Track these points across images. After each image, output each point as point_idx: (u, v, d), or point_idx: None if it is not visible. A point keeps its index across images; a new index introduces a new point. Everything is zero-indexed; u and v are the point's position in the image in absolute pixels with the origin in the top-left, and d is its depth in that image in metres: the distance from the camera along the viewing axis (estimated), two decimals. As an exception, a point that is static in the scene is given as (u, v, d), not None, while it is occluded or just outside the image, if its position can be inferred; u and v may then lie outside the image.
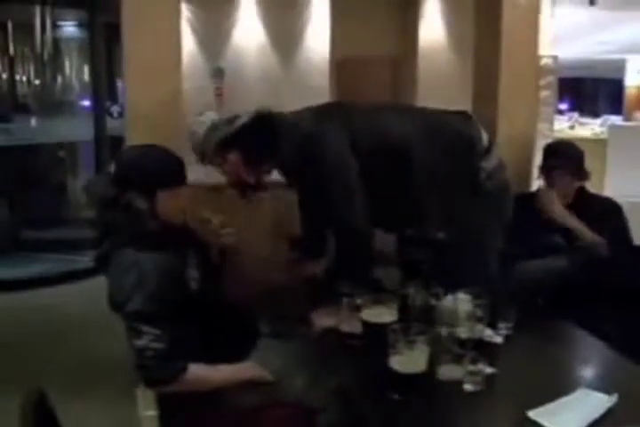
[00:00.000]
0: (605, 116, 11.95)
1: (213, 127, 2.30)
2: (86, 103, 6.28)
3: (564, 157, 3.12)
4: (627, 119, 12.43)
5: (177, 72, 2.93)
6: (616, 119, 11.83)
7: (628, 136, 9.19)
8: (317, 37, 9.04)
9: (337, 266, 2.39)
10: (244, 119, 2.29)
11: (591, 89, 19.05)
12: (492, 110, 3.30)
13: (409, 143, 2.33)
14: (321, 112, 2.42)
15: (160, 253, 1.90)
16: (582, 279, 2.81)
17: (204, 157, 2.35)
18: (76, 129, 5.64)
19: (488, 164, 2.40)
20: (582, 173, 3.13)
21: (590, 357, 2.01)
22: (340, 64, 9.17)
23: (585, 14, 9.32)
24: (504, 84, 3.25)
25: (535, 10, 3.25)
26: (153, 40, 2.86)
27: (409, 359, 1.60)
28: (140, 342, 1.81)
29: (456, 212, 2.36)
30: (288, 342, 2.14)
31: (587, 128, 10.90)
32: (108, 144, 5.41)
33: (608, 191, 7.82)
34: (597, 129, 10.50)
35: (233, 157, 2.30)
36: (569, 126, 11.15)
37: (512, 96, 3.28)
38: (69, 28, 6.31)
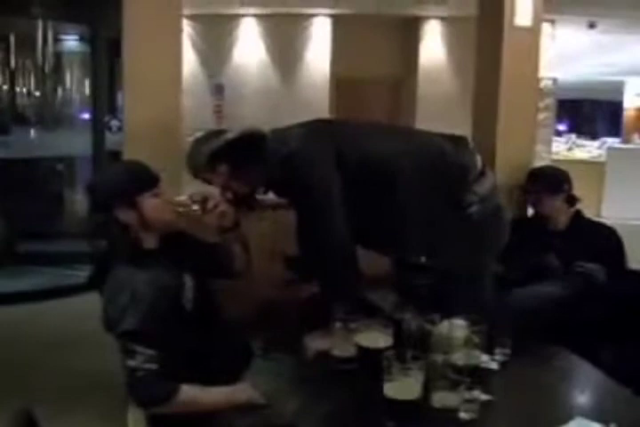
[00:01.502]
0: (603, 139, 12.04)
1: (201, 141, 2.32)
2: (86, 116, 6.30)
3: (541, 180, 3.17)
4: (625, 141, 12.53)
5: (177, 89, 2.92)
6: (614, 141, 11.92)
7: (626, 158, 9.24)
8: (318, 56, 9.13)
9: (321, 286, 2.34)
10: (230, 135, 2.30)
11: (589, 111, 19.21)
12: (492, 133, 3.29)
13: (395, 165, 2.31)
14: (308, 129, 2.41)
15: (155, 273, 1.89)
16: (578, 305, 2.79)
17: (195, 172, 2.35)
18: (74, 143, 5.64)
19: (481, 188, 2.36)
20: (569, 198, 3.15)
21: (587, 385, 1.98)
22: (341, 83, 9.26)
23: (584, 37, 9.42)
24: (504, 107, 3.25)
25: (536, 32, 3.25)
26: (154, 56, 2.84)
27: (404, 386, 1.58)
28: (133, 363, 1.79)
29: (440, 237, 2.32)
30: (281, 364, 2.11)
31: (584, 150, 10.98)
32: (106, 158, 5.40)
33: (605, 213, 7.86)
34: (595, 151, 10.58)
35: (222, 169, 2.30)
36: (567, 148, 11.23)
37: (512, 118, 3.28)
38: (71, 42, 6.34)
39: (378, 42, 8.80)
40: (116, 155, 5.77)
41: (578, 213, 3.18)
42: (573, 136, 12.35)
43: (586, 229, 3.15)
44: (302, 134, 2.36)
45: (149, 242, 1.99)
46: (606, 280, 2.90)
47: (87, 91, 5.98)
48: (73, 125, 6.35)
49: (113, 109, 5.88)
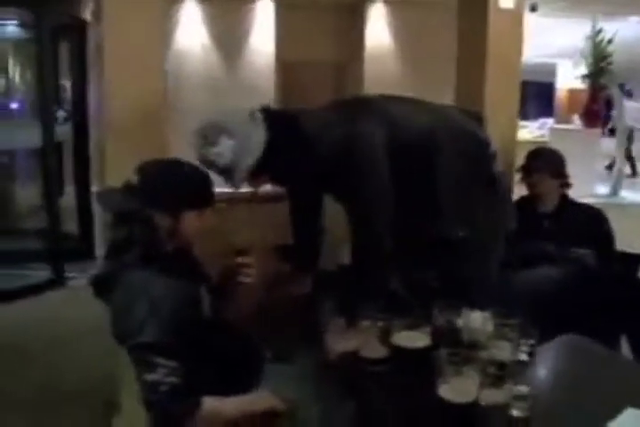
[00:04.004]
0: (543, 120, 12.29)
1: (235, 156, 2.10)
2: (25, 107, 5.97)
3: (544, 160, 3.18)
4: (559, 121, 12.80)
5: (161, 72, 2.74)
6: (548, 122, 12.17)
7: (568, 139, 9.45)
8: (262, 40, 8.91)
9: (353, 274, 2.22)
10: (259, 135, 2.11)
11: (523, 92, 19.58)
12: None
13: (434, 141, 2.27)
14: (351, 109, 2.29)
15: (172, 278, 1.74)
16: (576, 289, 2.79)
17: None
18: (20, 135, 5.31)
19: (496, 169, 2.36)
20: (564, 178, 3.17)
21: (621, 372, 1.93)
22: (286, 67, 9.08)
23: (525, 20, 9.52)
24: (489, 91, 3.20)
25: (519, 13, 3.22)
26: (136, 39, 2.66)
27: (460, 388, 1.50)
28: (154, 377, 1.64)
29: (473, 213, 2.31)
30: (298, 367, 1.99)
31: (525, 131, 11.17)
32: (54, 151, 5.08)
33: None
34: (537, 132, 10.79)
35: (264, 178, 2.20)
36: (507, 129, 11.39)
37: (497, 102, 3.24)
38: (10, 28, 5.95)
39: (323, 25, 8.67)
40: (60, 146, 5.48)
41: (564, 196, 3.19)
42: (514, 118, 12.56)
43: (573, 210, 3.16)
44: (346, 116, 2.23)
45: (169, 245, 1.85)
46: (597, 264, 2.92)
47: (30, 80, 5.65)
48: (17, 117, 5.99)
49: (58, 100, 5.56)
